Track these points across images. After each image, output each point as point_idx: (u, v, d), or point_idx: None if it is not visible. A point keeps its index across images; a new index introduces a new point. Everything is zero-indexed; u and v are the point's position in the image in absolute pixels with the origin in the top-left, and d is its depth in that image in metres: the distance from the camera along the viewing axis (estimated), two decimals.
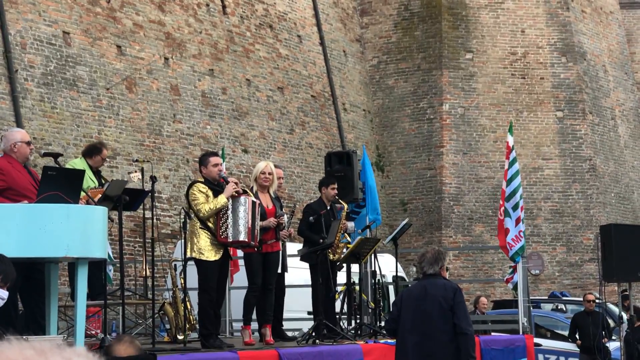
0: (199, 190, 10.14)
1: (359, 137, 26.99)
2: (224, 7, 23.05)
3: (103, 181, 11.54)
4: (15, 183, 8.45)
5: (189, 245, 10.19)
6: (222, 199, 10.02)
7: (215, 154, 10.66)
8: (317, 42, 26.21)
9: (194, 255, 10.14)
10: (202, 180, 10.34)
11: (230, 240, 10.06)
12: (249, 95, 23.20)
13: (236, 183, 10.27)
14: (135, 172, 12.67)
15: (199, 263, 10.14)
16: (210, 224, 10.09)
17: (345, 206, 12.90)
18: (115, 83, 19.42)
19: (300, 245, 13.69)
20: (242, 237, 10.06)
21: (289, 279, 12.07)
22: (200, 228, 10.10)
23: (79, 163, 11.60)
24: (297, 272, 12.79)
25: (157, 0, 21.05)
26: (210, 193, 10.12)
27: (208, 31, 22.37)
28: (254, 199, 10.38)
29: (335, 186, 12.63)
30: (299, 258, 12.48)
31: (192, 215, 10.18)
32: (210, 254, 10.06)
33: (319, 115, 25.58)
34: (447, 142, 27.08)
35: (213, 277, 10.08)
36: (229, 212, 10.06)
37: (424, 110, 27.48)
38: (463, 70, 27.50)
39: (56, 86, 18.24)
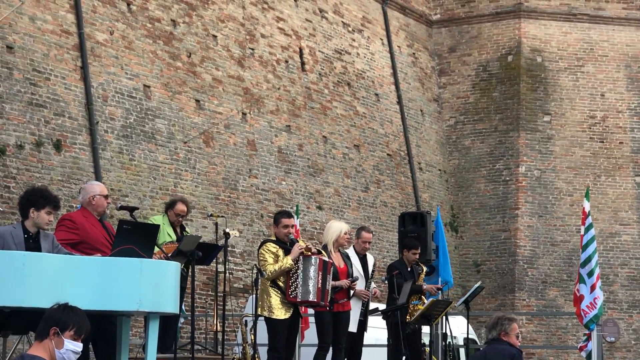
0: (268, 250, 10.19)
1: (433, 197, 26.88)
2: (302, 63, 23.25)
3: (185, 235, 11.62)
4: (88, 237, 8.55)
5: (260, 303, 10.23)
6: (287, 261, 10.07)
7: (289, 216, 10.64)
8: (394, 101, 26.27)
9: (264, 313, 10.17)
10: (274, 239, 10.38)
11: (300, 299, 10.06)
12: (325, 152, 23.28)
13: (306, 247, 10.31)
14: (234, 230, 12.82)
15: (269, 321, 10.16)
16: (280, 283, 10.12)
17: (424, 269, 12.87)
18: (193, 137, 19.64)
19: (373, 305, 13.62)
20: (312, 297, 10.07)
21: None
22: (270, 286, 10.14)
23: (158, 219, 11.72)
24: (368, 331, 12.69)
25: (236, 56, 21.31)
26: (280, 252, 10.16)
27: (286, 87, 22.56)
28: (326, 259, 10.38)
29: (418, 251, 12.60)
30: (374, 315, 12.44)
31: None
32: (280, 313, 10.07)
33: (394, 174, 25.56)
34: (522, 204, 26.82)
35: (282, 336, 10.08)
36: (299, 271, 10.08)
37: (500, 172, 27.30)
38: (540, 132, 27.31)
39: (135, 139, 18.51)
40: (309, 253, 10.16)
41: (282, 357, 10.14)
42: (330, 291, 10.48)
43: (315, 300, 10.11)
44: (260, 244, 10.50)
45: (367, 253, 11.98)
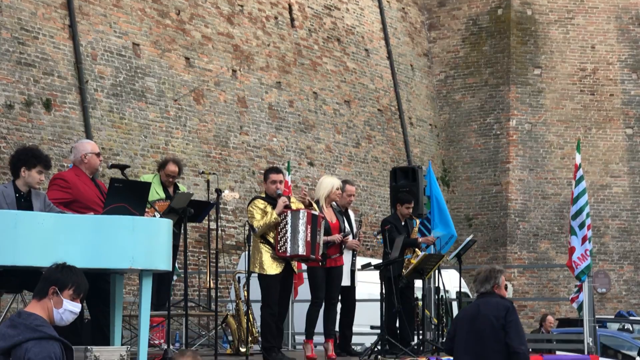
0: (256, 206, 10.16)
1: (424, 152, 26.91)
2: (292, 20, 23.15)
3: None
4: (81, 195, 8.55)
5: (252, 259, 10.24)
6: (272, 216, 10.04)
7: (277, 171, 10.63)
8: (384, 56, 26.20)
9: (255, 270, 10.18)
10: (263, 195, 10.38)
11: (289, 254, 10.06)
12: (316, 108, 23.26)
13: (288, 197, 10.30)
14: (232, 191, 12.82)
15: (261, 277, 10.17)
16: (270, 239, 10.11)
17: (417, 221, 12.90)
18: (183, 94, 19.59)
19: (365, 259, 13.68)
20: (301, 251, 10.07)
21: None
22: (260, 243, 10.14)
23: (149, 178, 11.69)
24: (361, 286, 12.74)
25: (225, 13, 21.21)
26: (269, 208, 10.13)
27: (276, 44, 22.48)
28: (315, 212, 10.36)
29: (411, 206, 12.62)
30: (367, 270, 12.49)
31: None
32: (271, 269, 10.07)
33: (385, 130, 25.55)
34: (513, 158, 26.87)
35: (274, 291, 10.09)
36: (288, 226, 10.06)
37: (491, 126, 27.31)
38: (531, 86, 27.29)
39: (125, 97, 18.46)
40: (286, 209, 10.11)
41: (275, 312, 10.17)
42: (321, 244, 10.47)
43: (305, 254, 10.11)
44: (249, 201, 10.49)
45: (348, 208, 11.95)
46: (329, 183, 11.32)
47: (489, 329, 8.59)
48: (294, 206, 10.25)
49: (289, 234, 10.05)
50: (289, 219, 10.07)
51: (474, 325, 8.69)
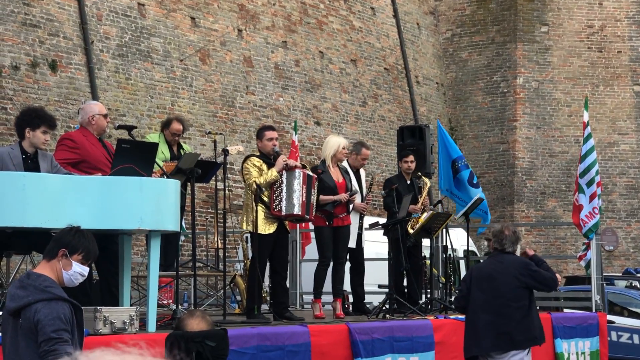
0: (253, 164, 10.06)
1: (431, 110, 26.84)
2: None
3: (183, 153, 11.60)
4: (89, 156, 8.54)
5: (245, 217, 10.16)
6: (272, 173, 9.95)
7: (272, 128, 10.63)
8: (390, 15, 26.05)
9: (248, 228, 10.09)
10: (257, 154, 10.30)
11: (284, 213, 9.99)
12: (322, 67, 23.17)
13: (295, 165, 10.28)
14: (237, 145, 12.80)
15: (253, 236, 10.09)
16: (264, 198, 10.03)
17: (427, 182, 12.84)
18: (189, 55, 19.53)
19: (374, 219, 13.69)
20: (296, 210, 10.00)
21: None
22: (253, 201, 10.03)
23: (154, 137, 11.68)
24: (369, 245, 12.76)
25: None
26: (264, 167, 10.03)
27: (281, 3, 22.35)
28: (310, 173, 10.31)
29: (409, 159, 12.57)
30: (374, 229, 12.50)
31: (247, 189, 10.15)
32: (264, 228, 9.99)
33: (392, 88, 25.47)
34: (520, 116, 26.79)
35: (266, 251, 10.02)
36: (283, 185, 9.99)
37: (498, 84, 27.22)
38: (538, 43, 27.15)
39: (131, 57, 18.40)
40: (287, 168, 10.06)
41: (263, 271, 10.07)
42: (314, 205, 10.43)
43: (300, 213, 10.05)
44: (243, 159, 10.38)
45: (359, 169, 11.95)
46: (335, 142, 11.29)
47: (511, 287, 8.65)
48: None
49: (284, 193, 9.99)
50: (284, 178, 10.00)
51: (494, 283, 8.73)
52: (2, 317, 5.59)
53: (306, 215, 10.20)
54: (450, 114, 27.70)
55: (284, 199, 9.99)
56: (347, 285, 12.02)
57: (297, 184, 10.01)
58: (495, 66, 27.33)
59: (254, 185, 9.85)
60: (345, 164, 11.64)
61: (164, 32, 19.18)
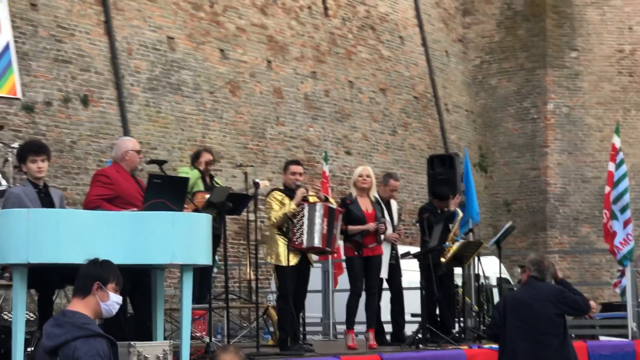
0: (274, 198, 10.21)
1: (461, 138, 26.80)
2: (325, 9, 23.12)
3: (215, 184, 11.68)
4: (123, 191, 8.58)
5: (268, 250, 10.27)
6: (291, 206, 10.08)
7: (297, 163, 10.76)
8: (419, 43, 26.09)
9: (271, 260, 10.19)
10: (282, 188, 10.42)
11: (305, 246, 10.07)
12: (352, 97, 23.22)
13: (306, 189, 10.36)
14: (263, 179, 12.87)
15: (277, 268, 10.20)
16: (286, 230, 10.12)
17: (460, 213, 12.81)
18: (219, 87, 19.63)
19: (405, 248, 13.67)
20: (317, 242, 10.08)
21: None
22: (277, 234, 10.16)
23: (186, 170, 11.78)
24: (404, 274, 12.73)
25: (259, 4, 21.21)
26: (286, 200, 10.17)
27: (310, 34, 22.45)
28: (332, 206, 10.38)
29: (447, 201, 12.51)
30: (406, 258, 12.49)
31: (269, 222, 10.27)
32: (287, 260, 10.06)
33: (422, 117, 25.47)
34: (551, 141, 26.69)
35: (290, 283, 10.07)
36: (305, 218, 10.08)
37: (528, 110, 27.14)
38: (568, 68, 27.08)
39: (161, 91, 18.53)
40: (304, 201, 10.16)
41: (290, 303, 10.13)
42: (337, 237, 10.51)
43: (321, 246, 10.12)
44: (267, 193, 10.52)
45: (390, 200, 11.98)
46: (355, 172, 11.42)
47: (548, 314, 8.65)
48: (311, 199, 10.29)
49: (305, 226, 10.06)
50: (305, 211, 10.10)
51: (530, 311, 8.72)
52: (38, 356, 5.60)
53: (327, 248, 10.26)
54: (480, 141, 27.64)
55: (304, 232, 10.05)
56: (387, 315, 12.03)
57: (318, 217, 10.09)
58: (525, 92, 27.27)
59: (273, 219, 10.01)
60: (376, 194, 11.66)
61: (194, 64, 19.31)
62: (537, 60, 27.21)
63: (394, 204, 12.05)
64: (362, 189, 11.24)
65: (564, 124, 26.80)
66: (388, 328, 12.20)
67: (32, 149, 8.26)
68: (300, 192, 10.16)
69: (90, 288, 5.51)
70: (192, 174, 11.43)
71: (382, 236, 11.29)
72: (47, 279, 8.09)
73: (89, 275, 5.56)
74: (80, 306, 5.48)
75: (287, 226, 10.11)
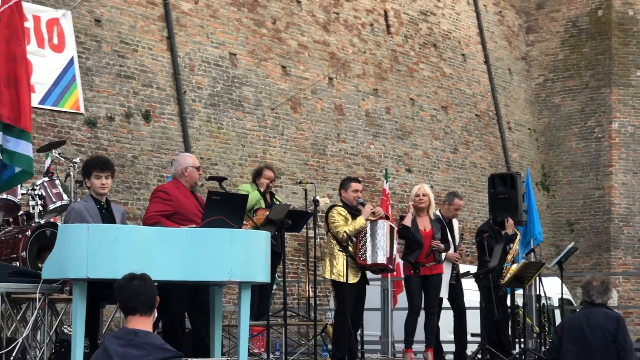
0: (339, 213, 10.20)
1: (523, 157, 26.56)
2: (388, 26, 23.09)
3: (275, 201, 11.69)
4: (182, 208, 8.60)
5: (328, 267, 10.21)
6: (360, 220, 10.08)
7: (357, 180, 10.73)
8: (481, 61, 25.95)
9: (332, 277, 10.15)
10: (341, 204, 10.39)
11: (369, 262, 10.09)
12: (413, 114, 23.15)
13: (373, 205, 10.36)
14: (324, 196, 12.88)
15: (337, 285, 10.16)
16: (350, 247, 10.10)
17: (518, 232, 12.67)
18: (280, 103, 19.68)
19: (466, 267, 13.56)
20: (381, 259, 10.08)
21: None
22: (338, 250, 10.12)
23: (247, 188, 11.80)
24: (464, 294, 12.61)
25: (321, 21, 21.25)
26: (349, 217, 10.17)
27: (372, 51, 22.44)
28: (392, 224, 10.37)
29: (506, 225, 12.37)
30: (466, 278, 12.39)
31: (331, 238, 10.23)
32: (349, 277, 10.02)
33: (483, 135, 25.30)
34: (616, 161, 26.34)
35: (349, 300, 10.04)
36: (368, 235, 10.09)
37: (592, 129, 26.83)
38: (634, 87, 26.72)
39: (223, 107, 18.62)
40: (374, 217, 10.18)
41: (349, 321, 10.08)
42: (396, 256, 10.51)
43: (385, 263, 10.12)
44: (328, 209, 10.48)
45: (452, 219, 11.90)
46: (412, 190, 11.36)
47: (601, 341, 8.50)
48: (370, 217, 10.28)
49: (368, 243, 10.06)
50: (368, 227, 10.11)
51: (584, 336, 8.57)
52: None
53: (390, 266, 10.25)
54: (543, 159, 27.37)
55: (368, 249, 10.03)
56: (446, 334, 11.94)
57: (382, 234, 10.09)
58: (589, 111, 26.97)
59: (344, 234, 9.93)
60: (437, 212, 11.58)
61: (255, 81, 19.38)
62: (602, 79, 26.91)
63: (455, 223, 11.97)
64: (420, 209, 11.16)
65: (629, 143, 26.45)
66: (447, 347, 12.11)
67: (97, 165, 8.35)
68: (369, 208, 10.19)
69: (154, 305, 5.44)
70: (253, 195, 11.44)
71: (443, 255, 11.20)
72: (105, 293, 8.11)
73: (151, 293, 5.47)
74: (148, 324, 5.38)
75: (347, 243, 10.08)
